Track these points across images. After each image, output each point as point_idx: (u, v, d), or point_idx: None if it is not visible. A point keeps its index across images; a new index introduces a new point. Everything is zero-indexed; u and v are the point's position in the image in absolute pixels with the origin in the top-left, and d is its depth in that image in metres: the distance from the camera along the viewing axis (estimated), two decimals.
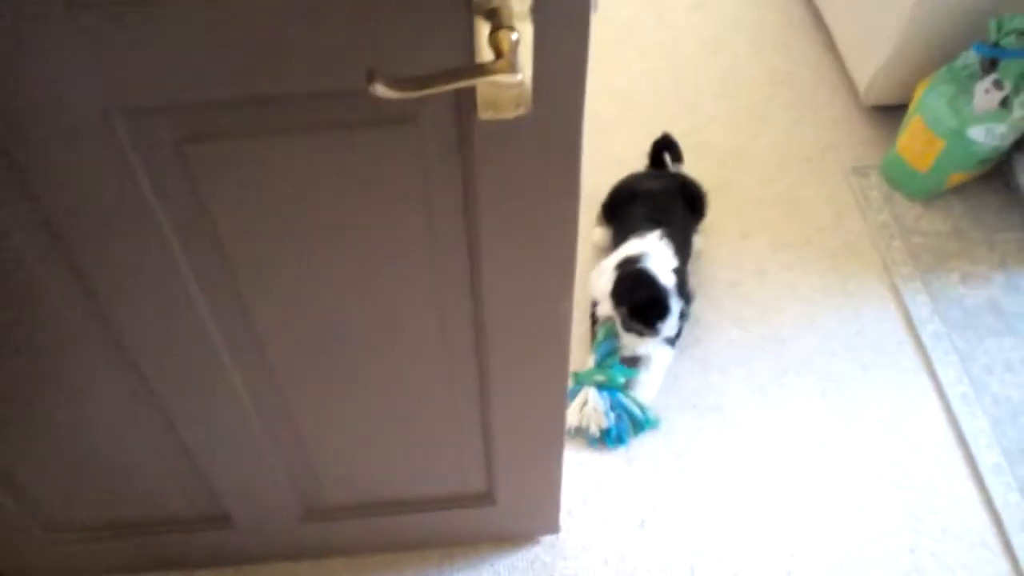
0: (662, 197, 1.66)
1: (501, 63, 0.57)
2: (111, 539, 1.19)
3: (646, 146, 1.86)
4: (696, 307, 1.67)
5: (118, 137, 0.63)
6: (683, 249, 1.61)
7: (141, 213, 0.70)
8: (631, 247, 1.55)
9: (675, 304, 1.45)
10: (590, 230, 1.75)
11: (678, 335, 1.59)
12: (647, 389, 1.54)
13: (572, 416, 1.48)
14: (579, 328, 1.63)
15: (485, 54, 0.59)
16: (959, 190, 1.82)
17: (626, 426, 1.48)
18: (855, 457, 1.47)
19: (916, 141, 1.75)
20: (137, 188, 0.67)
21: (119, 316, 0.81)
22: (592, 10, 0.62)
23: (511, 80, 0.57)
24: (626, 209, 1.67)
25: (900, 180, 1.83)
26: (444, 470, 1.16)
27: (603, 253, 1.66)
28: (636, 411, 1.48)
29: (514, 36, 0.58)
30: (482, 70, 0.57)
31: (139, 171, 0.66)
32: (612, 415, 1.47)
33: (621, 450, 1.48)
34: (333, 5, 0.56)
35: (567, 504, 1.41)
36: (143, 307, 0.80)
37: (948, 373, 1.54)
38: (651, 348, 1.55)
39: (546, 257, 0.80)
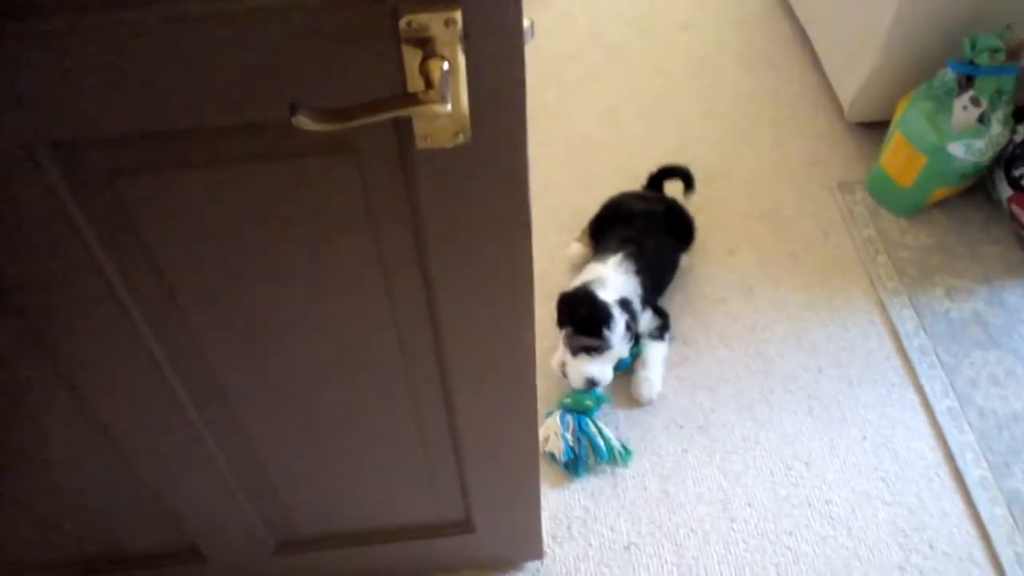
0: (643, 219, 1.66)
1: (430, 93, 0.57)
2: None
3: (631, 165, 1.88)
4: (683, 325, 1.67)
5: (45, 172, 0.63)
6: (660, 273, 1.63)
7: (76, 249, 0.70)
8: (586, 273, 1.57)
9: (618, 313, 1.46)
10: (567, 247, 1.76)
11: (665, 329, 1.60)
12: (649, 386, 1.54)
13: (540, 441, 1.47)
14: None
15: (416, 84, 0.60)
16: (943, 205, 1.81)
17: (585, 454, 1.46)
18: (842, 475, 1.46)
19: (899, 157, 1.75)
20: (70, 223, 0.67)
21: (68, 355, 0.81)
22: (527, 38, 0.63)
23: (440, 111, 0.57)
24: (608, 228, 1.68)
25: (884, 195, 1.83)
26: (419, 499, 1.15)
27: (577, 270, 1.66)
28: (599, 441, 1.46)
29: (444, 65, 0.58)
30: (410, 100, 0.58)
31: (70, 206, 0.66)
32: (569, 439, 1.45)
33: (607, 473, 1.48)
34: (258, 35, 0.57)
35: (551, 529, 1.41)
36: (90, 346, 0.80)
37: (934, 387, 1.53)
38: (646, 347, 1.55)
39: (501, 286, 0.80)
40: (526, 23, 0.61)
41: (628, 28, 2.38)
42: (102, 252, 0.72)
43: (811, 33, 2.17)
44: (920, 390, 1.54)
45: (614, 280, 1.53)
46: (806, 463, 1.47)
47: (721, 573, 1.35)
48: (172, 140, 0.63)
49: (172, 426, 0.92)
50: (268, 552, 1.19)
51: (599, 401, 1.50)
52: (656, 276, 1.64)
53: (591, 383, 1.48)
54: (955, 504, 1.40)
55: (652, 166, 1.83)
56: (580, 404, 1.49)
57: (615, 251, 1.59)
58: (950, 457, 1.45)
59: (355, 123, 0.57)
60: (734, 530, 1.40)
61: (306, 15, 0.57)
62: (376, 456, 1.05)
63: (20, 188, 0.65)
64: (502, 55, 0.61)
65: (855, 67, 1.89)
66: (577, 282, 1.55)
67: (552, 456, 1.47)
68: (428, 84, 0.58)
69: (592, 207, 1.76)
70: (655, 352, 1.58)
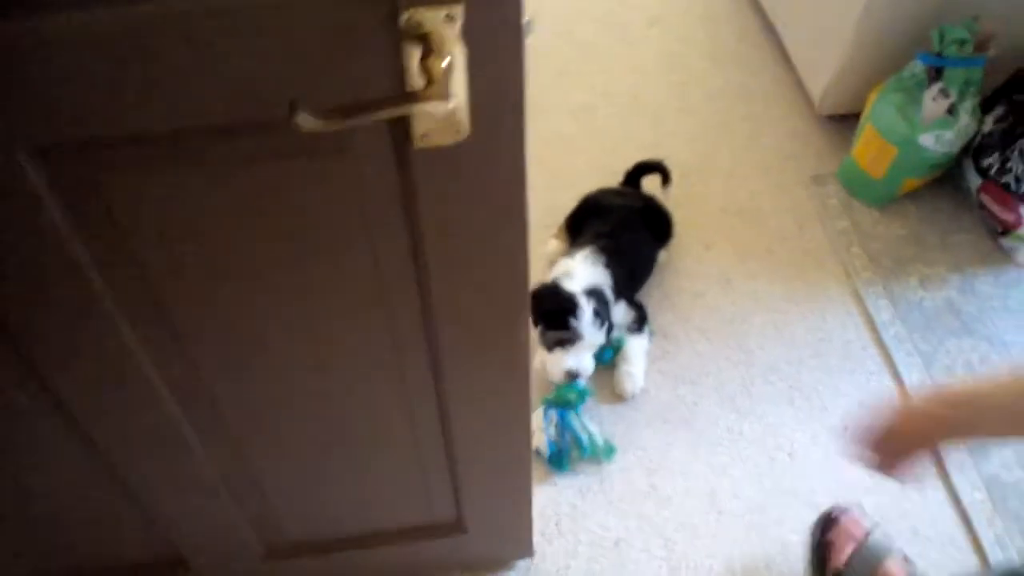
0: (619, 214, 1.67)
1: (432, 90, 0.56)
2: None
3: (607, 161, 1.88)
4: (662, 320, 1.68)
5: (28, 175, 0.61)
6: (636, 267, 1.64)
7: (61, 252, 0.68)
8: (555, 268, 1.57)
9: (584, 302, 1.46)
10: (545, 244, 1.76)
11: (644, 322, 1.60)
12: (632, 380, 1.55)
13: None
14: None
15: (416, 81, 0.59)
16: (914, 195, 1.84)
17: (567, 449, 1.46)
18: (825, 464, 1.47)
19: (870, 149, 1.77)
20: (54, 226, 0.65)
21: (49, 360, 0.79)
22: (527, 33, 0.62)
23: (442, 108, 0.56)
24: (584, 223, 1.69)
25: (857, 187, 1.86)
26: (411, 501, 1.14)
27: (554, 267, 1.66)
28: (583, 436, 1.46)
29: (445, 62, 0.57)
30: (412, 97, 0.57)
31: (54, 208, 0.64)
32: (552, 434, 1.45)
33: (593, 469, 1.48)
34: (254, 32, 0.55)
35: (540, 526, 1.40)
36: (73, 351, 0.78)
37: (911, 375, 1.56)
38: (626, 341, 1.56)
39: (497, 284, 0.80)
40: (526, 18, 0.60)
41: (597, 25, 2.39)
42: (87, 256, 0.70)
43: (779, 27, 2.19)
44: (898, 378, 1.57)
45: (581, 271, 1.53)
46: (789, 453, 1.49)
47: (711, 566, 1.36)
48: (160, 142, 0.61)
49: (157, 428, 0.90)
50: (257, 558, 1.17)
51: (582, 395, 1.50)
52: (631, 270, 1.64)
53: (571, 375, 1.48)
54: (936, 490, 1.43)
55: (627, 162, 1.83)
56: (563, 398, 1.49)
57: (586, 245, 1.59)
58: None
59: (356, 121, 0.56)
60: (722, 522, 1.41)
61: (303, 11, 0.56)
62: (367, 459, 1.04)
63: (3, 194, 0.63)
64: (503, 51, 0.60)
65: (824, 61, 1.91)
66: (548, 279, 1.56)
67: (536, 452, 1.46)
68: (429, 81, 0.57)
69: (568, 204, 1.76)
70: (635, 346, 1.58)
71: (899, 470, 0.98)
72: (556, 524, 1.42)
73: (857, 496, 1.42)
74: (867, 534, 1.29)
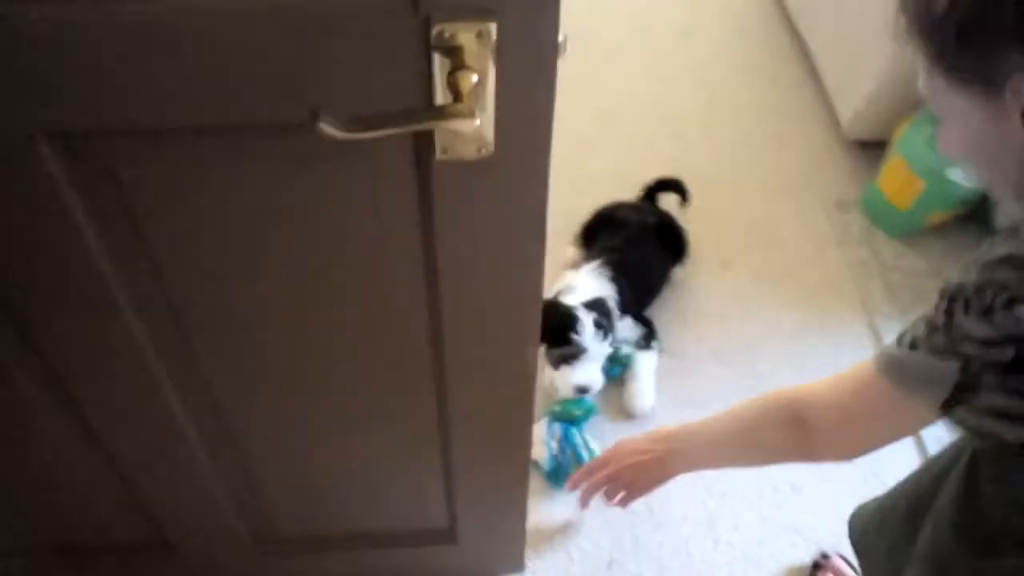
0: (631, 229, 1.64)
1: (459, 106, 0.54)
2: (57, 564, 1.15)
3: (626, 169, 1.85)
4: (674, 338, 1.65)
5: (45, 163, 0.59)
6: (646, 283, 1.62)
7: (72, 239, 0.66)
8: (558, 283, 1.55)
9: (584, 314, 1.43)
10: (563, 250, 1.73)
11: (652, 338, 1.57)
12: (642, 398, 1.52)
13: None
14: None
15: (443, 95, 0.56)
16: (938, 229, 1.81)
17: (567, 465, 1.42)
18: (830, 500, 1.44)
19: (896, 179, 1.74)
20: (68, 214, 0.63)
21: (50, 347, 0.77)
22: (560, 53, 0.59)
23: (468, 125, 0.54)
24: (598, 235, 1.66)
25: (881, 217, 1.82)
26: (405, 507, 1.12)
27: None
28: (584, 453, 1.42)
29: (474, 78, 0.55)
30: (438, 113, 0.54)
31: (70, 198, 0.62)
32: (554, 448, 1.42)
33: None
34: (283, 35, 0.53)
35: (533, 542, 1.38)
36: (77, 338, 0.76)
37: None
38: (635, 357, 1.54)
39: (510, 301, 0.77)
40: (560, 37, 0.57)
41: (627, 30, 2.35)
42: (99, 244, 0.68)
43: (813, 47, 2.16)
44: None
45: (583, 284, 1.51)
46: (793, 486, 1.46)
47: None
48: (179, 137, 0.59)
49: (154, 421, 0.88)
50: (246, 550, 1.15)
51: (588, 411, 1.48)
52: (641, 286, 1.61)
53: (581, 390, 1.45)
54: None
55: (648, 172, 1.80)
56: (568, 413, 1.46)
57: (594, 258, 1.57)
58: None
59: (379, 133, 0.53)
60: (718, 551, 1.38)
61: (335, 17, 0.53)
62: (361, 459, 1.02)
63: (20, 177, 0.61)
64: (535, 71, 0.57)
65: (856, 84, 1.88)
66: (551, 294, 1.53)
67: (535, 464, 1.44)
68: (456, 97, 0.54)
69: (585, 210, 1.73)
70: (644, 362, 1.56)
71: (624, 499, 1.15)
72: (549, 539, 1.39)
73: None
74: None
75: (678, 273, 1.73)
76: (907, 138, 1.71)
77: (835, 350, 1.64)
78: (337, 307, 0.78)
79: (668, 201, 1.80)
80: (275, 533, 1.15)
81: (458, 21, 0.53)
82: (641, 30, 2.36)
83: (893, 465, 1.48)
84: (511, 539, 1.23)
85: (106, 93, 0.55)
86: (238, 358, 0.83)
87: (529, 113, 0.60)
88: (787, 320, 1.69)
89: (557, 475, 1.43)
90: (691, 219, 1.82)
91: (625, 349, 1.56)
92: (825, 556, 1.35)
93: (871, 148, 1.95)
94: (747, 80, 2.23)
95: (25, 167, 0.59)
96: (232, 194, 0.64)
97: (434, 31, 0.53)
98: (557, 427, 1.45)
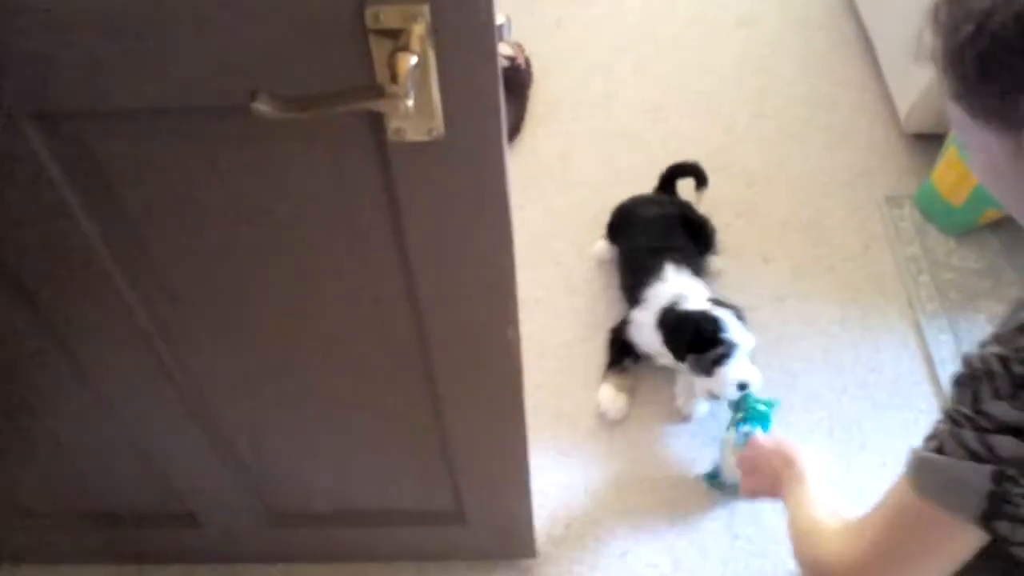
0: (663, 224, 1.62)
1: (394, 87, 0.56)
2: (83, 528, 1.23)
3: (672, 160, 1.81)
4: None
5: (29, 140, 0.64)
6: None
7: (62, 218, 0.71)
8: (659, 295, 1.49)
9: (723, 313, 1.39)
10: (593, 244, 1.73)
11: (740, 317, 1.48)
12: (688, 403, 1.50)
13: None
14: (585, 346, 1.59)
15: (383, 76, 0.58)
16: (994, 226, 1.72)
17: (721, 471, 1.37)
18: (856, 500, 1.39)
19: (951, 173, 1.66)
20: (55, 192, 0.68)
21: (60, 319, 0.83)
22: (502, 34, 0.60)
23: (403, 104, 0.56)
24: (627, 234, 1.64)
25: (934, 212, 1.74)
26: (410, 488, 1.15)
27: (604, 266, 1.64)
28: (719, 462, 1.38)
29: (413, 59, 0.57)
30: (372, 92, 0.56)
31: (53, 172, 0.67)
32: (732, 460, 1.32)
33: (611, 476, 1.45)
34: (221, 17, 0.56)
35: (549, 528, 1.39)
36: (80, 311, 0.82)
37: None
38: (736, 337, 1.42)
39: (482, 282, 0.79)
40: (501, 20, 0.58)
41: (683, 22, 2.32)
42: (87, 219, 0.73)
43: (874, 37, 2.08)
44: None
45: (688, 288, 1.47)
46: None
47: None
48: (140, 116, 0.63)
49: (163, 402, 0.94)
50: (262, 524, 1.21)
51: (769, 403, 1.39)
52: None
53: (743, 386, 1.39)
54: None
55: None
56: (754, 411, 1.37)
57: (660, 265, 1.52)
58: None
59: (313, 112, 0.56)
60: (735, 547, 1.36)
61: (275, 2, 0.56)
62: (367, 446, 1.05)
63: (5, 153, 0.66)
64: (473, 51, 0.59)
65: (915, 76, 1.80)
66: (652, 311, 1.47)
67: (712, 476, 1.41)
68: (393, 77, 0.56)
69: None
70: (745, 343, 1.43)
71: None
72: (566, 527, 1.40)
73: None
74: None
75: (716, 264, 1.70)
76: None
77: (874, 348, 1.59)
78: (317, 287, 0.81)
79: (685, 189, 1.76)
80: (288, 509, 1.20)
81: (391, 4, 0.55)
82: (698, 22, 2.31)
83: None
84: (520, 523, 1.24)
85: (68, 76, 0.59)
86: (233, 335, 0.88)
87: (474, 95, 0.62)
88: (825, 316, 1.64)
89: (716, 477, 1.40)
90: (735, 212, 1.79)
91: None
92: None
93: (929, 141, 1.87)
94: (805, 71, 2.16)
95: (9, 141, 0.64)
96: (198, 172, 0.68)
97: (368, 13, 0.55)
98: (747, 427, 1.33)
